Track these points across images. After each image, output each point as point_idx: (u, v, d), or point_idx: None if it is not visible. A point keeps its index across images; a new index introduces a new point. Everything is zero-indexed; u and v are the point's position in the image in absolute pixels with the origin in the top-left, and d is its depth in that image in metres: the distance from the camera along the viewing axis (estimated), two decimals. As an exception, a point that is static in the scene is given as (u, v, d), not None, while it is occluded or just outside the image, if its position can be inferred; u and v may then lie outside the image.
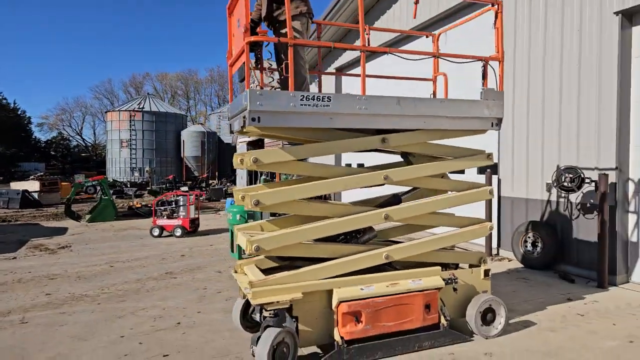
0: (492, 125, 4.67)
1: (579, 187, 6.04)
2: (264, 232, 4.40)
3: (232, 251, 8.46)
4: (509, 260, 7.47)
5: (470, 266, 4.65)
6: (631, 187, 6.05)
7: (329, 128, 4.07)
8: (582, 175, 6.02)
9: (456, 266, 4.69)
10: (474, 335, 4.38)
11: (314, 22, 4.79)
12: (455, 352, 4.10)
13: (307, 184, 3.97)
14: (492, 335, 4.37)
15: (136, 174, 33.04)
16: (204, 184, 27.59)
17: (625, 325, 4.67)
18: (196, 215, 11.26)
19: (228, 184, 29.01)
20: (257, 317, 4.53)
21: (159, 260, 8.15)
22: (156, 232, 10.69)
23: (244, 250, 8.33)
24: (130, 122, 33.32)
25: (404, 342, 4.05)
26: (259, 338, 3.69)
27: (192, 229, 10.96)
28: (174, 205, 11.14)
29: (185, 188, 18.67)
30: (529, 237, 6.92)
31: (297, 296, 3.74)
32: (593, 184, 5.97)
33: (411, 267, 4.32)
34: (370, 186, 4.28)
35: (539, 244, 6.77)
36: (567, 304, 5.34)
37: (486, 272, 4.62)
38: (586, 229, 6.34)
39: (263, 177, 16.92)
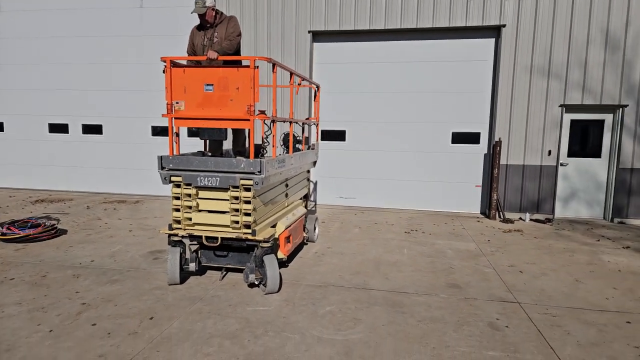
0: (313, 164, 7.15)
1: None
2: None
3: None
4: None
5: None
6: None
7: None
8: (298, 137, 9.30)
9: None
10: (308, 240, 6.85)
11: None
12: (315, 250, 6.49)
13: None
14: (316, 239, 7.00)
15: None
16: None
17: (354, 221, 8.42)
18: None
19: None
20: (190, 267, 5.11)
21: None
22: None
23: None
24: None
25: (296, 250, 6.08)
26: (255, 267, 4.76)
27: None
28: None
29: None
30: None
31: (274, 230, 5.03)
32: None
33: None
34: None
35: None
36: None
37: (306, 201, 7.13)
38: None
39: None
